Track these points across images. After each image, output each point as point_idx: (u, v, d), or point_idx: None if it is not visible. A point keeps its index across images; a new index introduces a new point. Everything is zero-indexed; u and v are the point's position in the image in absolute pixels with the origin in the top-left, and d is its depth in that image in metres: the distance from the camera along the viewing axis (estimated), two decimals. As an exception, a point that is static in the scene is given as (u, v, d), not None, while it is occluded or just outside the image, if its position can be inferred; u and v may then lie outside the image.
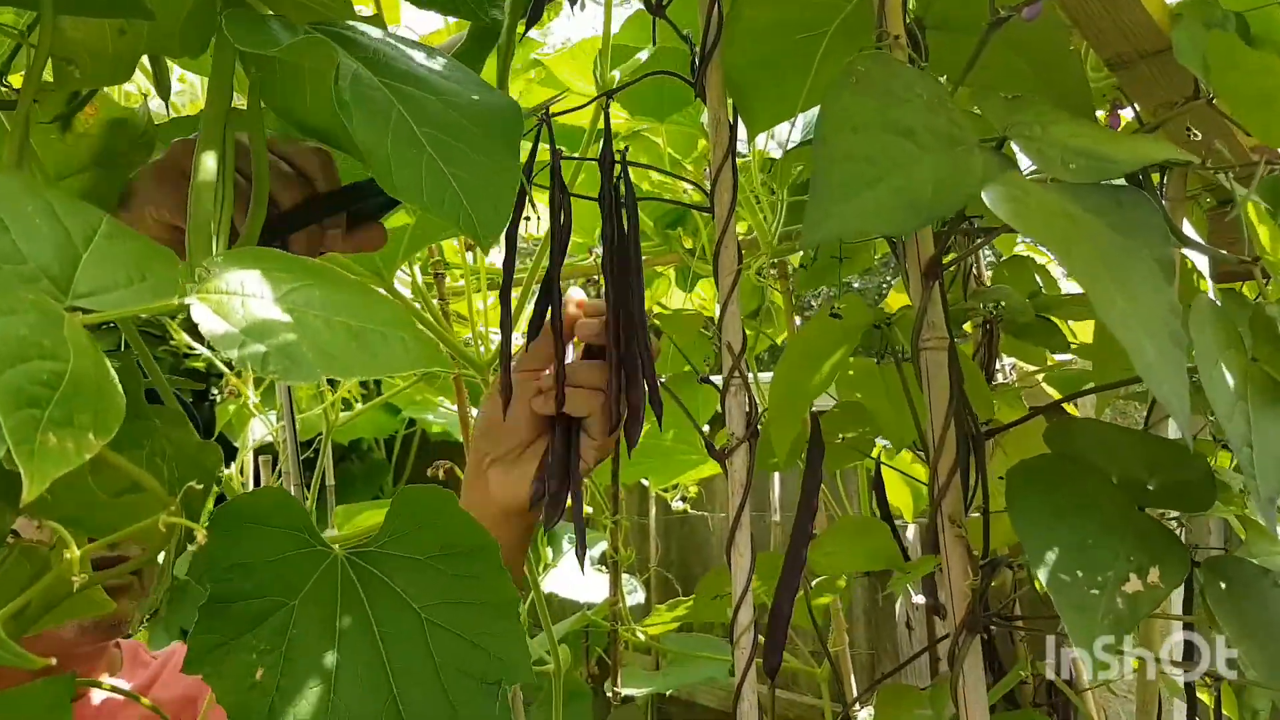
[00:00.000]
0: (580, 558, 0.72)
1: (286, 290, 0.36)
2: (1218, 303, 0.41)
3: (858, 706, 1.37)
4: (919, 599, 1.69)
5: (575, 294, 0.68)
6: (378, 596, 0.54)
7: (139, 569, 0.88)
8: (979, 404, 0.54)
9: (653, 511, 2.08)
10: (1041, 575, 0.40)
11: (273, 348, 0.33)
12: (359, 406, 1.75)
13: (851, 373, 0.67)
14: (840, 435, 0.97)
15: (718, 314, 0.59)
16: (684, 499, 1.93)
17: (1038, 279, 0.99)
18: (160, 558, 0.48)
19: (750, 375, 0.62)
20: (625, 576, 1.65)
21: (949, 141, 0.40)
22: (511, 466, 0.68)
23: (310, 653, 0.51)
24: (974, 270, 1.10)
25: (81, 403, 0.29)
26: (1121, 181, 0.43)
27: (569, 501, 0.69)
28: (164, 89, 0.55)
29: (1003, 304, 0.90)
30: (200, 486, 0.48)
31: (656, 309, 1.44)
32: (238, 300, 0.35)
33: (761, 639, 0.67)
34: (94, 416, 0.29)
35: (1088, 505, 0.43)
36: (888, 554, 0.68)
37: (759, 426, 0.61)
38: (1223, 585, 0.41)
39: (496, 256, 1.42)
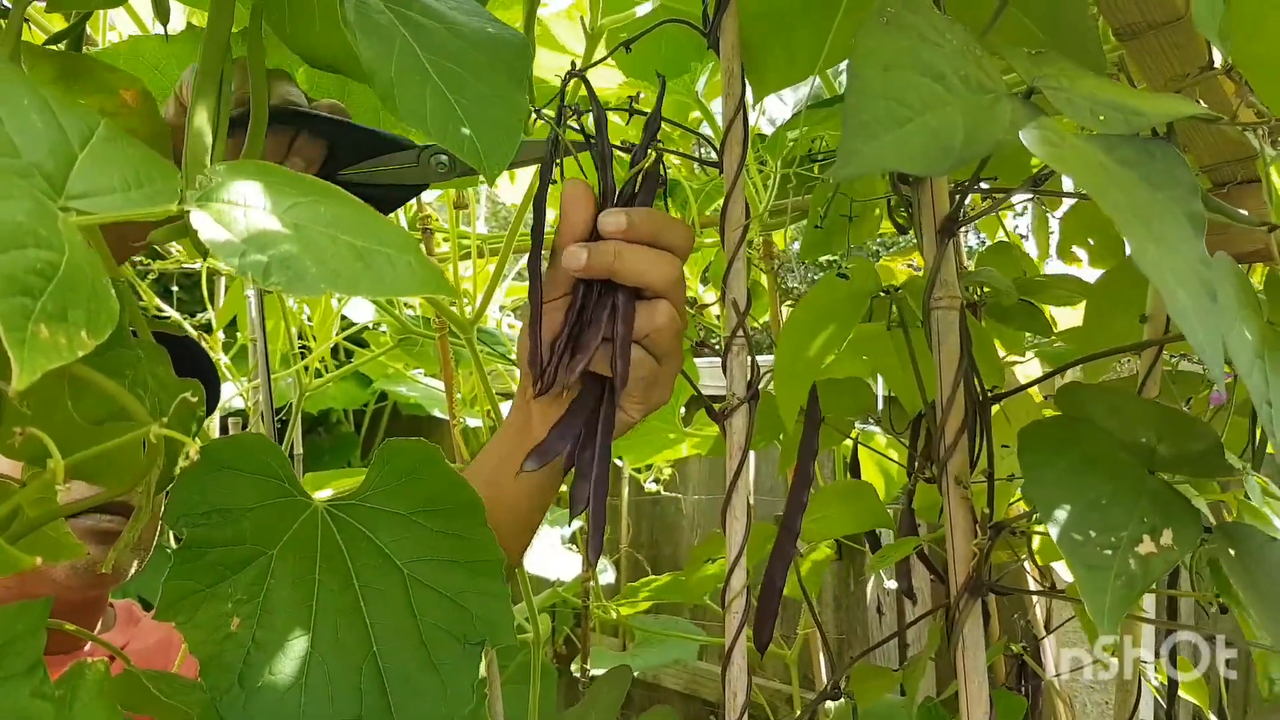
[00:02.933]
0: (594, 553, 0.63)
1: (290, 205, 0.34)
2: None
3: (828, 700, 1.36)
4: (890, 584, 1.70)
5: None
6: (359, 550, 0.52)
7: (130, 514, 0.86)
8: (986, 370, 0.53)
9: (625, 492, 2.07)
10: (1053, 533, 0.39)
11: (274, 259, 0.31)
12: (331, 375, 1.72)
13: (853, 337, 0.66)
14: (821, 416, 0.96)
15: (724, 270, 0.58)
16: (657, 480, 1.92)
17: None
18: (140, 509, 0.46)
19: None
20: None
21: (978, 88, 0.39)
22: (555, 401, 0.61)
23: (288, 605, 0.49)
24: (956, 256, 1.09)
25: (75, 299, 0.27)
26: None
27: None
28: (163, 12, 0.52)
29: (987, 286, 0.90)
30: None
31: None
32: (239, 211, 0.33)
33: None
34: (87, 315, 0.27)
35: (1101, 465, 0.42)
36: (875, 515, 0.68)
37: (759, 389, 0.60)
38: (1232, 551, 0.41)
39: (480, 225, 1.40)
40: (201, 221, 0.32)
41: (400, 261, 0.34)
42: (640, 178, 0.60)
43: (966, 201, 0.51)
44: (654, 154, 0.59)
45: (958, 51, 0.40)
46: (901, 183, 0.50)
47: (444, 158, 0.59)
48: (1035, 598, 1.07)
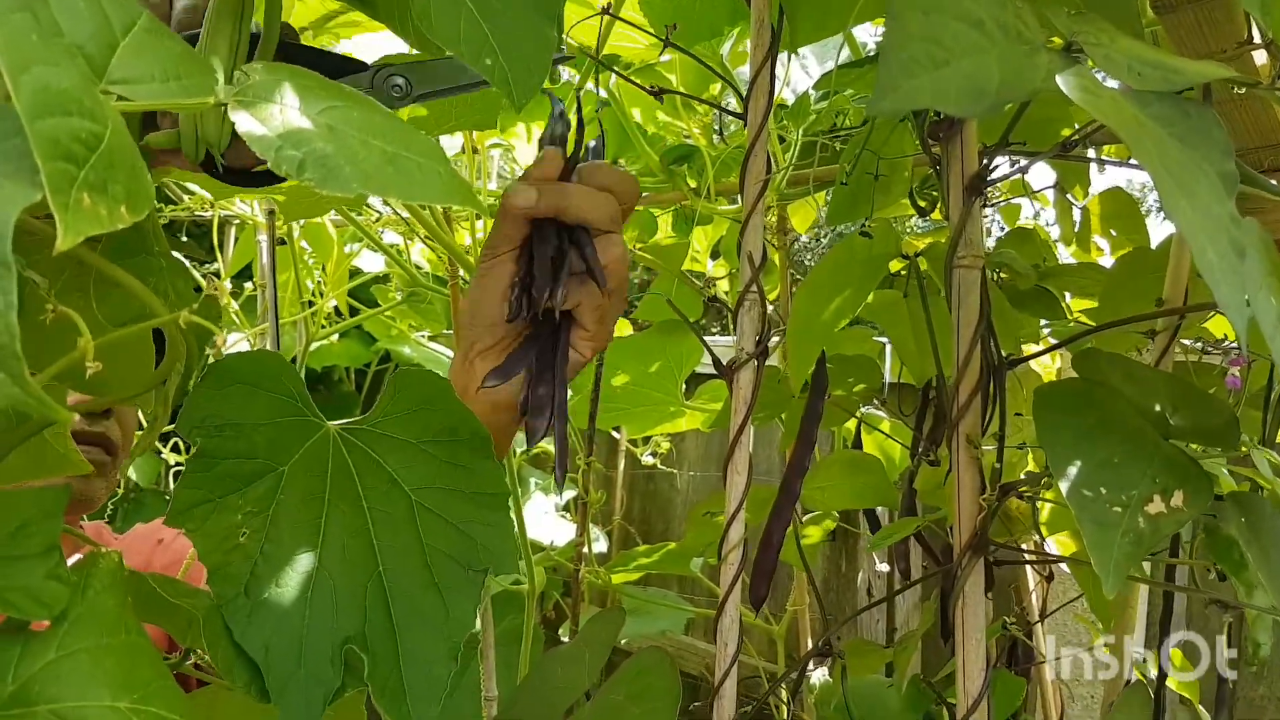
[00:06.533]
0: (560, 475, 0.65)
1: (323, 108, 0.34)
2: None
3: (811, 665, 1.38)
4: (882, 567, 1.71)
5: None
6: (368, 474, 0.53)
7: (109, 448, 0.86)
8: (1004, 336, 0.53)
9: (621, 465, 2.07)
10: (1063, 488, 0.39)
11: (309, 155, 0.31)
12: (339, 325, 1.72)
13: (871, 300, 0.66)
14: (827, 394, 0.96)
15: (742, 223, 0.58)
16: (654, 454, 1.92)
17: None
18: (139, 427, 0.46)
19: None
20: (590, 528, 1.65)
21: (1017, 37, 0.39)
22: (501, 356, 0.63)
23: (297, 521, 0.49)
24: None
25: (115, 174, 0.27)
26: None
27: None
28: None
29: (1005, 271, 0.90)
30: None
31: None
32: (275, 108, 0.33)
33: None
34: (126, 191, 0.27)
35: (1115, 427, 0.42)
36: (880, 490, 0.68)
37: (768, 346, 0.60)
38: (1244, 519, 0.41)
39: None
40: (239, 116, 0.32)
41: (429, 169, 0.34)
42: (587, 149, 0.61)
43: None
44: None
45: (996, 1, 0.40)
46: (931, 139, 0.50)
47: (399, 80, 0.57)
48: (1031, 588, 1.07)
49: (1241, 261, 0.35)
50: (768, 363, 0.61)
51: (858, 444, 1.25)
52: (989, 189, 0.51)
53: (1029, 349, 0.82)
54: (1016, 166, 0.48)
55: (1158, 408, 0.45)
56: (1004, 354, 0.52)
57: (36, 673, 0.32)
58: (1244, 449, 0.47)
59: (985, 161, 0.48)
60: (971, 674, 0.47)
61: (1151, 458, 0.41)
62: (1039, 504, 0.68)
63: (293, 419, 0.51)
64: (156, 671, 0.35)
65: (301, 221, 1.30)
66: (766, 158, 0.57)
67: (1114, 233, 1.01)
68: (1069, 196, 1.03)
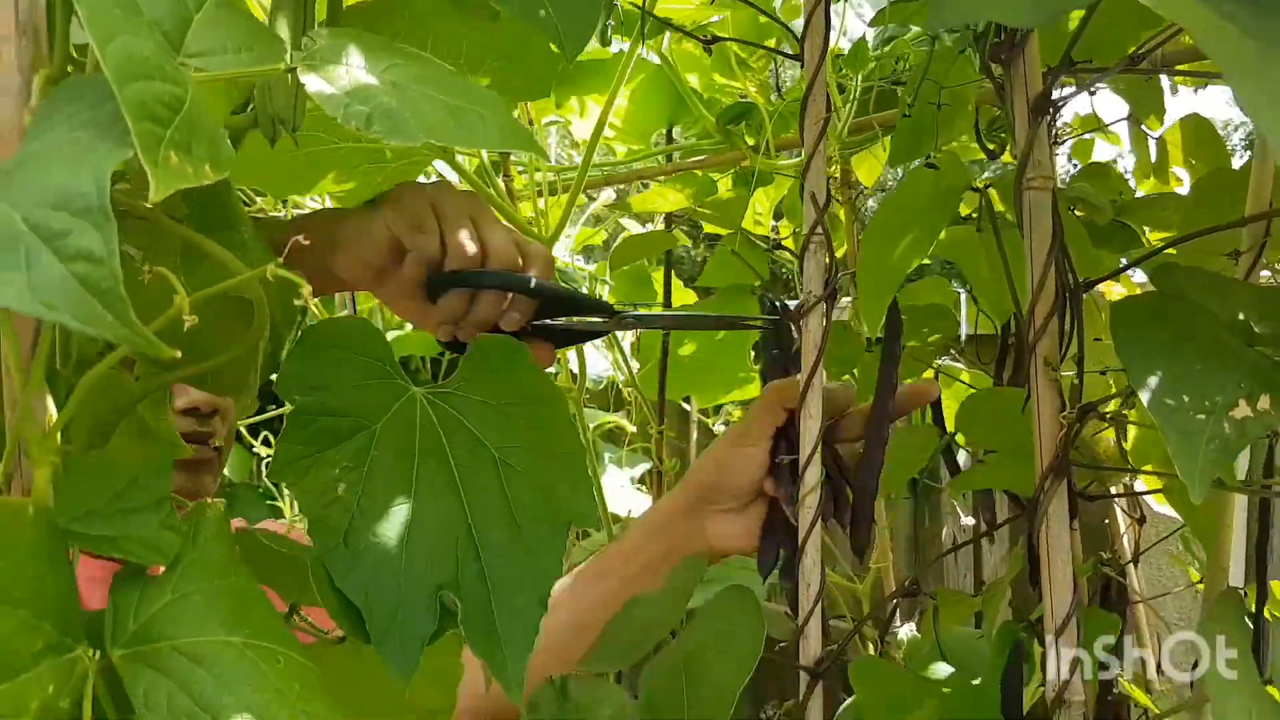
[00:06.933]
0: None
1: (387, 65, 0.36)
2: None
3: (898, 620, 1.37)
4: (967, 520, 1.68)
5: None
6: (454, 433, 0.55)
7: (214, 448, 0.91)
8: (1081, 266, 0.52)
9: (694, 435, 2.08)
10: (1144, 399, 0.39)
11: (375, 109, 0.33)
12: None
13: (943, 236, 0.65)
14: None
15: (802, 165, 0.57)
16: (726, 423, 1.92)
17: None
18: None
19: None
20: (664, 495, 1.66)
21: (1074, -57, 0.38)
22: (739, 515, 0.69)
23: (390, 476, 0.51)
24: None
25: (198, 136, 0.29)
26: None
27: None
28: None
29: (1080, 203, 0.88)
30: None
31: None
32: (342, 69, 0.34)
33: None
34: (209, 152, 0.29)
35: (1196, 337, 0.41)
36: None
37: (835, 288, 0.60)
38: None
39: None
40: (309, 78, 0.33)
41: (490, 119, 0.35)
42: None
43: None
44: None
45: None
46: (993, 61, 0.49)
47: (632, 320, 0.70)
48: (1122, 530, 1.05)
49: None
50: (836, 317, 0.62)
51: (936, 400, 1.24)
52: (1057, 115, 0.50)
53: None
54: (1083, 86, 0.47)
55: (1241, 316, 0.43)
56: (1080, 279, 0.51)
57: (155, 613, 0.35)
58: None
59: (1050, 80, 0.47)
60: (1059, 597, 0.47)
61: (1235, 365, 0.40)
62: (1124, 430, 0.67)
63: (382, 381, 0.53)
64: (267, 611, 0.37)
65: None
66: (826, 97, 0.57)
67: (1194, 162, 0.97)
68: (1144, 128, 1.00)
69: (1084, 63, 0.50)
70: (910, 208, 0.60)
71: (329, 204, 1.05)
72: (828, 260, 0.59)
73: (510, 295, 0.65)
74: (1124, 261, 0.95)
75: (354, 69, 0.35)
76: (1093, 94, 0.72)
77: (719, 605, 0.54)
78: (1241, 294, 0.45)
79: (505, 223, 0.67)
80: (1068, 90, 0.55)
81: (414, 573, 0.48)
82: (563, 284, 0.69)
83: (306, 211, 1.25)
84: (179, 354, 0.26)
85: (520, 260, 0.65)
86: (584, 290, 1.42)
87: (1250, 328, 0.44)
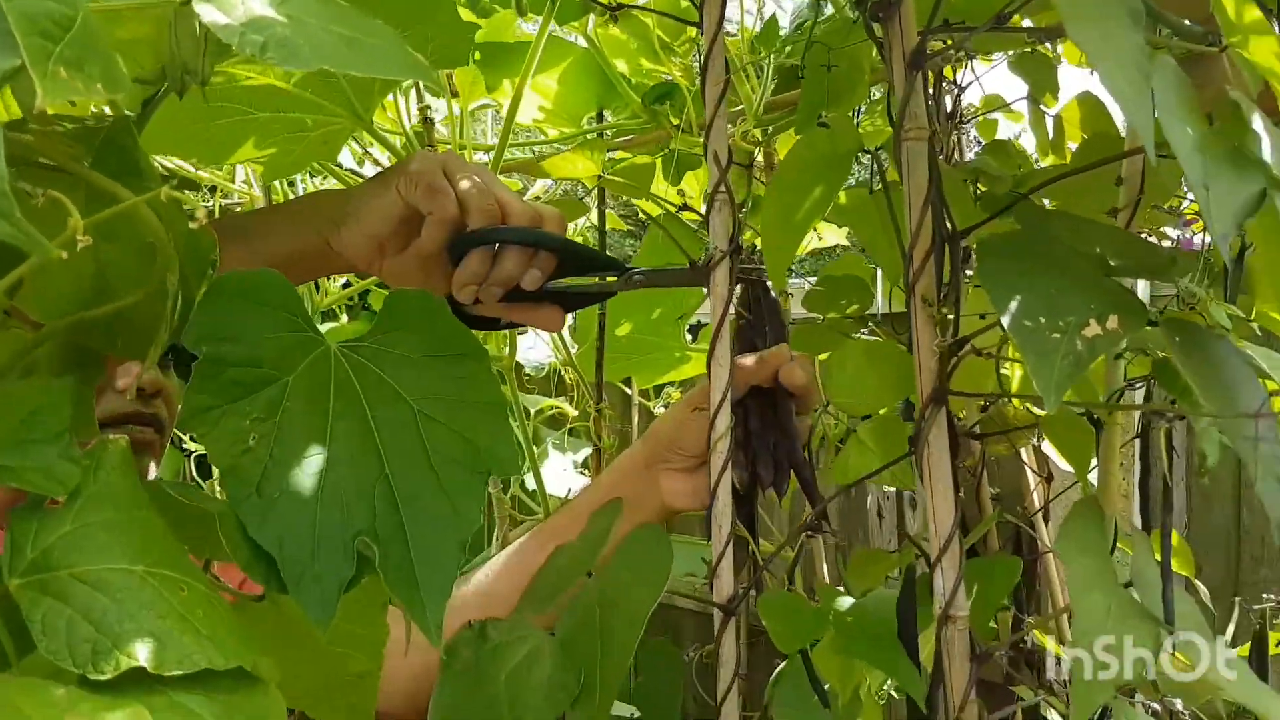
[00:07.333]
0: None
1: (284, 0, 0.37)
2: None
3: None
4: (890, 488, 1.73)
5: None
6: (370, 385, 0.55)
7: (160, 427, 0.90)
8: (958, 210, 0.55)
9: (635, 419, 2.10)
10: (1006, 322, 0.42)
11: (270, 38, 0.34)
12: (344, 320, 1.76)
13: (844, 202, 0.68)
14: (821, 316, 0.99)
15: (705, 125, 0.60)
16: (667, 406, 1.95)
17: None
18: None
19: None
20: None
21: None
22: (690, 474, 0.71)
23: (304, 427, 0.51)
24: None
25: (90, 55, 0.30)
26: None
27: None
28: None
29: (981, 175, 0.92)
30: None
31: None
32: (238, 2, 0.36)
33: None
34: (102, 72, 0.30)
35: (1054, 266, 0.45)
36: (906, 379, 0.67)
37: (739, 243, 0.63)
38: (1178, 339, 0.43)
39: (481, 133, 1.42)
40: (203, 8, 0.35)
41: (385, 50, 0.37)
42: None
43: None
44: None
45: None
46: (874, 21, 0.52)
47: (640, 276, 0.70)
48: (1031, 486, 1.10)
49: (1149, 87, 0.37)
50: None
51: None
52: (937, 74, 0.53)
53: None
54: (958, 43, 0.50)
55: (1098, 250, 0.47)
56: (959, 227, 0.55)
57: (54, 542, 0.35)
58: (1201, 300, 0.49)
59: (924, 37, 0.51)
60: (942, 521, 0.50)
61: (1089, 289, 0.43)
62: (1007, 367, 0.71)
63: (294, 334, 0.54)
64: (170, 543, 0.38)
65: (301, 188, 1.33)
66: (725, 61, 0.60)
67: (1086, 136, 1.03)
68: (1042, 106, 1.05)
69: (958, 23, 0.53)
70: (809, 168, 0.63)
71: (251, 173, 1.05)
72: (732, 217, 0.62)
73: (534, 252, 0.66)
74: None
75: (250, 2, 0.36)
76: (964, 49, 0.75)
77: (631, 542, 0.56)
78: (1100, 233, 0.49)
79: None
80: (948, 56, 0.58)
81: (330, 520, 0.48)
82: (575, 240, 0.71)
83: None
84: (64, 254, 0.27)
85: (539, 215, 0.66)
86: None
87: (1106, 261, 0.47)
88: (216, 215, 1.57)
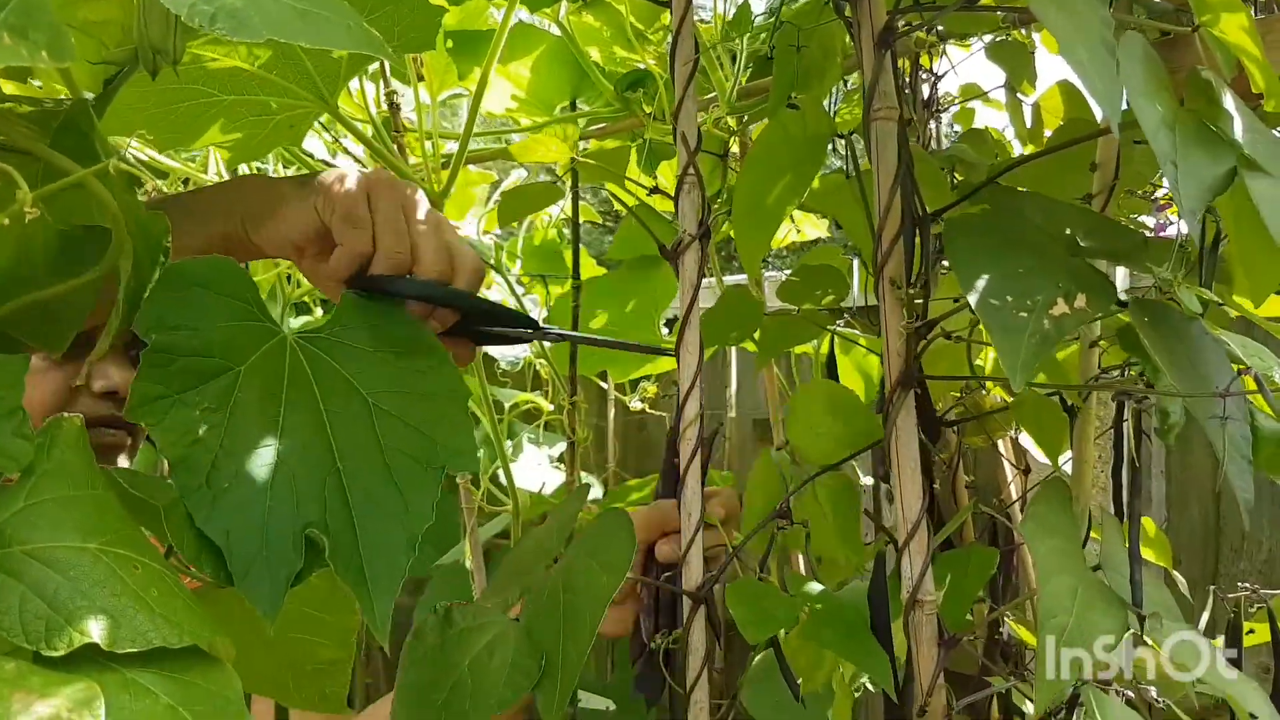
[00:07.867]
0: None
1: (236, -26, 0.36)
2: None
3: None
4: (866, 480, 1.73)
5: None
6: (325, 378, 0.54)
7: (131, 430, 0.89)
8: (929, 191, 0.55)
9: (611, 414, 2.10)
10: (972, 300, 0.42)
11: (220, 9, 0.33)
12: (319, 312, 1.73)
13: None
14: (796, 308, 0.98)
15: (674, 106, 0.59)
16: (642, 400, 1.95)
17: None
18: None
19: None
20: (584, 475, 1.66)
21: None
22: (612, 606, 0.69)
23: (255, 418, 0.50)
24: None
25: (36, 24, 0.29)
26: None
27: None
28: None
29: (959, 163, 0.92)
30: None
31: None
32: (188, -26, 0.35)
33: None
34: (48, 40, 0.29)
35: (1023, 245, 0.44)
36: (869, 430, 0.66)
37: (709, 226, 0.62)
38: (1147, 319, 0.43)
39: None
40: (150, -21, 0.34)
41: (338, 22, 0.36)
42: None
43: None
44: None
45: None
46: (844, 0, 0.52)
47: (554, 333, 0.73)
48: (1009, 479, 1.10)
49: (1113, 59, 0.37)
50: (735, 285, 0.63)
51: (831, 362, 1.27)
52: (909, 52, 0.53)
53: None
54: (926, 21, 0.49)
55: (1068, 231, 0.47)
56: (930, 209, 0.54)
57: (7, 519, 0.34)
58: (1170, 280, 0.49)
59: (893, 17, 0.50)
60: (910, 505, 0.49)
61: (1057, 268, 0.43)
62: (981, 357, 0.70)
63: (249, 323, 0.53)
64: (124, 522, 0.37)
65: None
66: (694, 40, 0.59)
67: (1064, 124, 1.03)
68: (1019, 95, 1.05)
69: (928, 3, 0.53)
70: (780, 151, 0.62)
71: (221, 164, 1.03)
72: (701, 199, 0.61)
73: (432, 309, 0.63)
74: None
75: (200, -26, 0.35)
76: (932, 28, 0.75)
77: (594, 527, 0.55)
78: (1070, 213, 0.49)
79: (438, 215, 0.64)
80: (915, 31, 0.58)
81: (279, 512, 0.47)
82: (485, 298, 0.69)
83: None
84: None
85: (450, 267, 0.63)
86: (499, 263, 1.41)
87: (1075, 241, 0.47)
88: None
